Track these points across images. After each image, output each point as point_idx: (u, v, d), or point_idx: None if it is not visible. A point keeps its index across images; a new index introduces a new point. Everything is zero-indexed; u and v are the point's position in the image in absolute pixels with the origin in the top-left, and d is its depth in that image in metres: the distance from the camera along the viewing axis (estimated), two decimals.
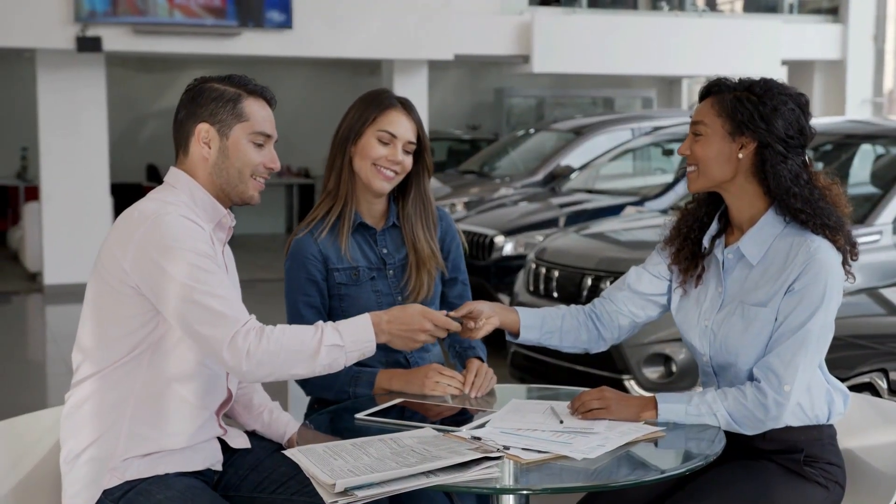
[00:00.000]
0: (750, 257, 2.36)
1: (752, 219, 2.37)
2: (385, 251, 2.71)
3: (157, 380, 2.23)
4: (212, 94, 2.31)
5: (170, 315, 2.17)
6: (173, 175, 2.35)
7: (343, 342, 2.19)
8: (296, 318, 2.68)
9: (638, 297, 2.54)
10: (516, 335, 2.54)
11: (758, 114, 2.30)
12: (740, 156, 2.32)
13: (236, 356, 2.11)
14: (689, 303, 2.46)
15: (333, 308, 2.70)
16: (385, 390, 2.57)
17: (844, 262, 2.32)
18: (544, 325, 2.54)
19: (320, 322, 2.22)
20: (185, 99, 2.35)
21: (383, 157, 2.64)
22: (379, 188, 2.66)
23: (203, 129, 2.30)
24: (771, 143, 2.30)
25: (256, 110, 2.34)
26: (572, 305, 2.61)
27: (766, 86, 2.33)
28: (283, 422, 2.55)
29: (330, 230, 2.68)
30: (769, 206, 2.35)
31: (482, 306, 2.49)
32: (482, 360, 2.69)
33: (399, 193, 2.76)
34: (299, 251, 2.68)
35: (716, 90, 2.37)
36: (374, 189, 2.66)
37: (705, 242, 2.44)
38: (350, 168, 2.69)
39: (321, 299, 2.68)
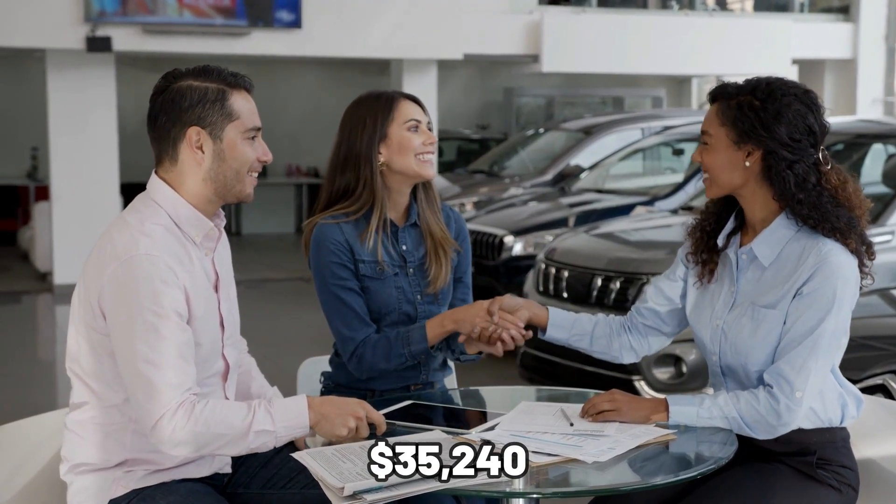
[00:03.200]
0: (762, 258, 2.34)
1: (764, 220, 2.35)
2: (405, 248, 2.72)
3: None
4: (195, 95, 2.19)
5: (117, 364, 2.13)
6: (156, 188, 2.24)
7: (274, 428, 2.13)
8: (337, 303, 2.64)
9: (659, 307, 2.55)
10: (544, 331, 2.55)
11: (759, 121, 2.27)
12: (747, 164, 2.30)
13: (160, 435, 2.07)
14: (704, 301, 2.45)
15: None
16: (439, 335, 2.58)
17: (861, 264, 2.30)
18: (575, 327, 2.57)
19: (255, 402, 2.15)
20: (162, 102, 2.21)
21: (422, 143, 2.67)
22: (429, 174, 2.70)
23: (194, 134, 2.19)
24: (775, 150, 2.27)
25: (243, 105, 2.24)
26: (610, 315, 2.63)
27: (769, 88, 2.29)
28: None
29: (356, 224, 2.67)
30: (782, 209, 2.33)
31: (512, 300, 2.52)
32: None
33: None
34: (325, 238, 2.64)
35: (720, 95, 2.35)
36: (425, 176, 2.69)
37: (720, 240, 2.43)
38: (380, 174, 2.67)
39: (356, 281, 2.65)
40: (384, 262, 2.66)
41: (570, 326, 2.56)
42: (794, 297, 2.26)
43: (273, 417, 2.13)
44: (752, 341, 2.31)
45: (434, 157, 2.72)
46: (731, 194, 2.39)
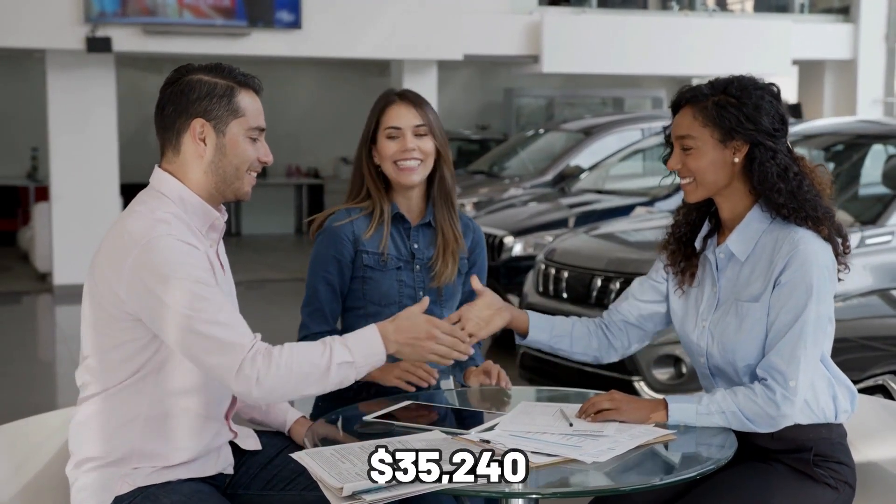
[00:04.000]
0: (738, 254, 2.36)
1: (739, 216, 2.38)
2: (416, 246, 2.75)
3: (163, 398, 2.20)
4: (203, 88, 2.22)
5: (173, 344, 2.12)
6: (160, 179, 2.26)
7: (353, 358, 2.14)
8: (311, 293, 2.72)
9: (642, 305, 2.56)
10: (524, 335, 2.54)
11: (743, 115, 2.30)
12: (735, 160, 2.33)
13: (246, 384, 2.06)
14: (688, 306, 2.46)
15: (355, 290, 2.73)
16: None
17: (836, 254, 2.32)
18: (554, 329, 2.57)
19: (328, 338, 2.16)
20: (171, 93, 2.24)
21: (396, 150, 2.70)
22: (407, 181, 2.71)
23: (198, 125, 2.22)
24: (762, 142, 2.31)
25: (250, 104, 2.27)
26: (584, 317, 2.63)
27: (741, 84, 2.33)
28: (282, 409, 2.54)
29: (367, 217, 2.74)
30: (755, 203, 2.36)
31: (494, 298, 2.51)
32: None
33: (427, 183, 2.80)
34: (332, 228, 2.73)
35: (692, 99, 2.36)
36: (403, 184, 2.72)
37: (697, 244, 2.45)
38: (377, 171, 2.75)
39: (340, 279, 2.72)
40: (388, 255, 2.70)
41: (550, 328, 2.56)
42: (773, 288, 2.28)
43: (350, 349, 2.14)
44: (737, 337, 2.33)
45: (417, 164, 2.70)
46: (710, 196, 2.40)
